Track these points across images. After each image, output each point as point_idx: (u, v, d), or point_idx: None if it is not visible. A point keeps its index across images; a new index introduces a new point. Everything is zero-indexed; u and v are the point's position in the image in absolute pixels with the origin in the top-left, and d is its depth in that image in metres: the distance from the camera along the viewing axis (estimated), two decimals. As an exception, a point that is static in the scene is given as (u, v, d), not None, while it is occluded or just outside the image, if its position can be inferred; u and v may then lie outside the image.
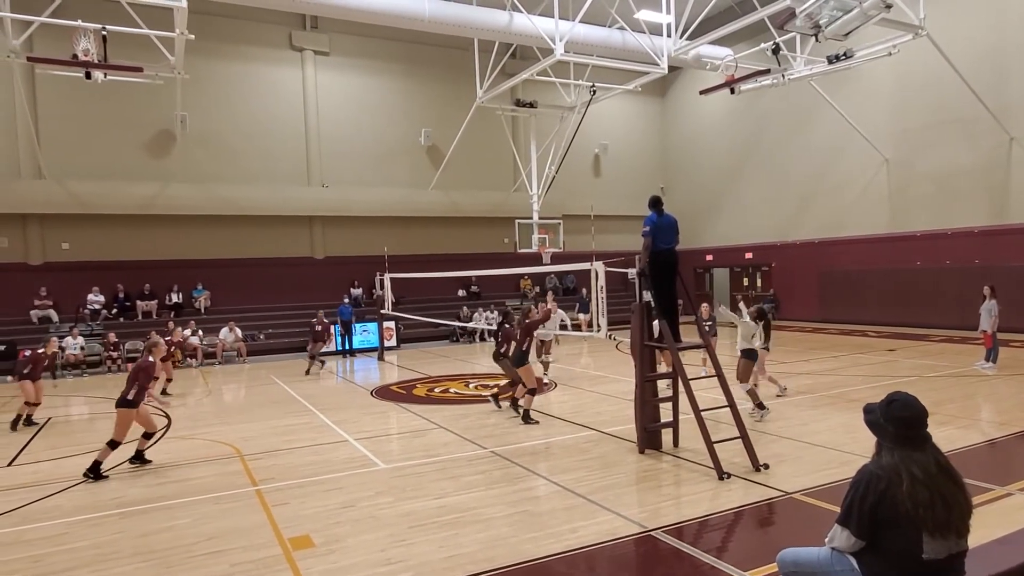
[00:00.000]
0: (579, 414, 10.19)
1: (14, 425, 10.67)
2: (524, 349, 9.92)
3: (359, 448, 8.59)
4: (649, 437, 7.85)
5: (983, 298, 12.95)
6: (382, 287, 19.12)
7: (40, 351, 11.35)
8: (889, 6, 12.79)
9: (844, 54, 16.96)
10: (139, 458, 8.02)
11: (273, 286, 22.19)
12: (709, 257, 28.09)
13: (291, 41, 22.88)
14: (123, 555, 5.30)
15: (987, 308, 12.81)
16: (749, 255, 26.42)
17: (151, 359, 8.19)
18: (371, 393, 13.07)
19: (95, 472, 7.57)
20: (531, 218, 22.00)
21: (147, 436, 8.07)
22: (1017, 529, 3.75)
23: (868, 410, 3.05)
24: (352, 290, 22.91)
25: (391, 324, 20.77)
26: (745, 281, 27.15)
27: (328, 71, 23.50)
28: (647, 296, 7.85)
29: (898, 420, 2.91)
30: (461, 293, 24.90)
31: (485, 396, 12.08)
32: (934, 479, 2.79)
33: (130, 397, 7.75)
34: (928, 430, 2.93)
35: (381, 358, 18.79)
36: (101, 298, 19.77)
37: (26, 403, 10.84)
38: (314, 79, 23.21)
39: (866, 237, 21.75)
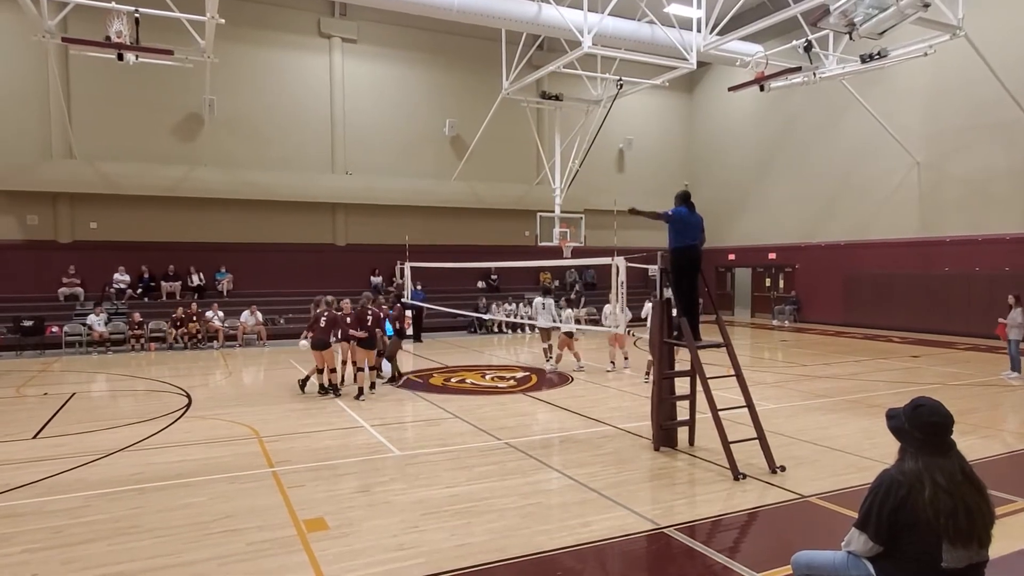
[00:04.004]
0: (595, 409, 10.16)
1: (324, 391, 11.40)
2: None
3: (374, 435, 8.65)
4: (665, 435, 7.80)
5: (1008, 307, 12.67)
6: (403, 276, 19.20)
7: (321, 312, 11.35)
8: (927, 5, 12.49)
9: (878, 53, 16.63)
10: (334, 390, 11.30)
11: (294, 271, 22.39)
12: (731, 256, 27.81)
13: (319, 28, 22.98)
14: (141, 530, 5.39)
15: (1012, 317, 12.52)
16: (772, 255, 26.11)
17: (378, 307, 11.75)
18: (388, 381, 13.14)
19: (332, 391, 11.25)
20: (553, 212, 21.92)
21: (328, 371, 11.28)
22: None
23: (892, 415, 3.00)
24: (372, 278, 23.03)
25: (410, 313, 20.85)
26: (767, 282, 26.85)
27: (355, 59, 23.57)
28: (667, 293, 7.79)
29: (924, 426, 2.86)
30: (481, 285, 24.92)
31: (502, 388, 12.11)
32: (959, 487, 2.74)
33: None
34: (952, 436, 2.88)
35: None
36: (127, 278, 20.09)
37: (317, 370, 11.44)
38: (341, 66, 23.30)
39: (894, 241, 21.38)
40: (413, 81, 24.51)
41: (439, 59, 24.71)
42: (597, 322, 18.55)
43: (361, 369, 11.33)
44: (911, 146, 20.47)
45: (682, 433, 7.94)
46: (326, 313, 11.30)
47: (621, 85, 20.51)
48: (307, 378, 11.67)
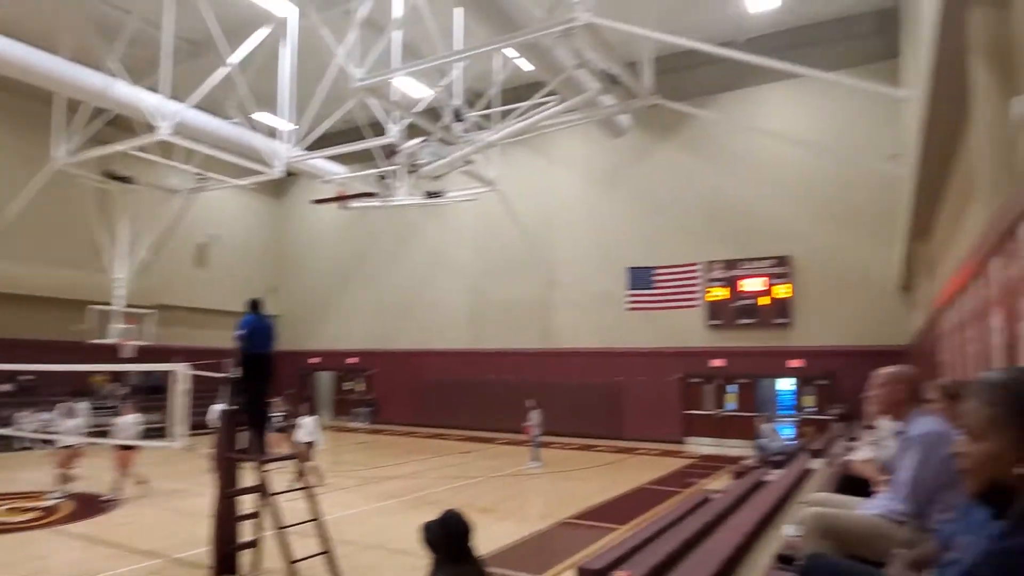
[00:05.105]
0: (145, 538, 8.88)
1: None
2: None
3: None
4: (226, 560, 7.24)
5: (528, 410, 15.72)
6: None
7: None
8: (469, 162, 15.53)
9: (437, 193, 19.55)
10: None
11: None
12: (316, 359, 28.15)
13: None
14: None
15: (531, 417, 15.58)
16: (354, 360, 27.31)
17: None
18: None
19: None
20: (113, 304, 19.16)
21: None
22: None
23: (425, 528, 3.41)
24: None
25: None
26: (348, 385, 27.84)
27: None
28: (236, 402, 7.49)
29: (450, 537, 3.33)
30: (8, 388, 19.86)
31: (17, 523, 9.70)
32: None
33: None
34: (474, 542, 3.41)
35: None
36: None
37: None
38: None
39: (452, 351, 24.64)
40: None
41: (-35, 110, 20.07)
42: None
43: None
44: (464, 271, 24.35)
45: (248, 555, 7.49)
46: None
47: (202, 179, 19.62)
48: None
